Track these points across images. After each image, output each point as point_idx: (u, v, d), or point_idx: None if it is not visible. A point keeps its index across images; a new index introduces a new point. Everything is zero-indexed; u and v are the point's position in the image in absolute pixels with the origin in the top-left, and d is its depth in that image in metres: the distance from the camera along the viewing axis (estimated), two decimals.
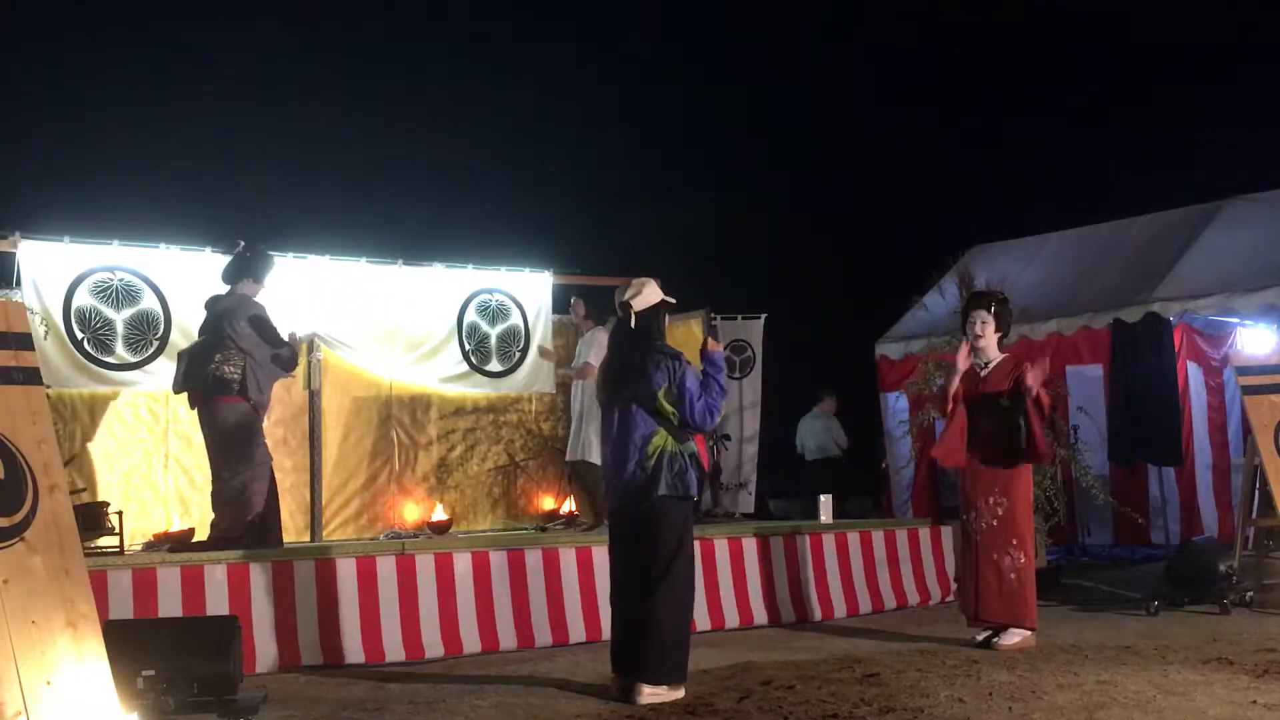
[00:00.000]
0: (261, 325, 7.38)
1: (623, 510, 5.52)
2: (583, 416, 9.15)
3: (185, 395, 7.43)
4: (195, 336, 8.50)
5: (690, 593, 5.53)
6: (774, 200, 21.32)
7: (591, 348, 8.95)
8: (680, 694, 5.28)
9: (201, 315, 7.71)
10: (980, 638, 6.54)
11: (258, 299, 7.52)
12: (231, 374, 7.17)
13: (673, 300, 5.75)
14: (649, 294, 5.60)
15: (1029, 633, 6.48)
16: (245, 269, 7.47)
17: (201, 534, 7.72)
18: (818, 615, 7.94)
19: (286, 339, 7.55)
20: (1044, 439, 6.61)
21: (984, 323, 6.67)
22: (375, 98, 21.19)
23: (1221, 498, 10.52)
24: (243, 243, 7.56)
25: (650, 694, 5.22)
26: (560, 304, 10.57)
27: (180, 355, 7.51)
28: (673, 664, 5.33)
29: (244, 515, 7.15)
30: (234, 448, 7.25)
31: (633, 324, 5.58)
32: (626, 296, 5.59)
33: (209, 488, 8.88)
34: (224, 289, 7.54)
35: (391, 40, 21.92)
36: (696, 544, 7.57)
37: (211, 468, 7.37)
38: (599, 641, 6.88)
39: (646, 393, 5.41)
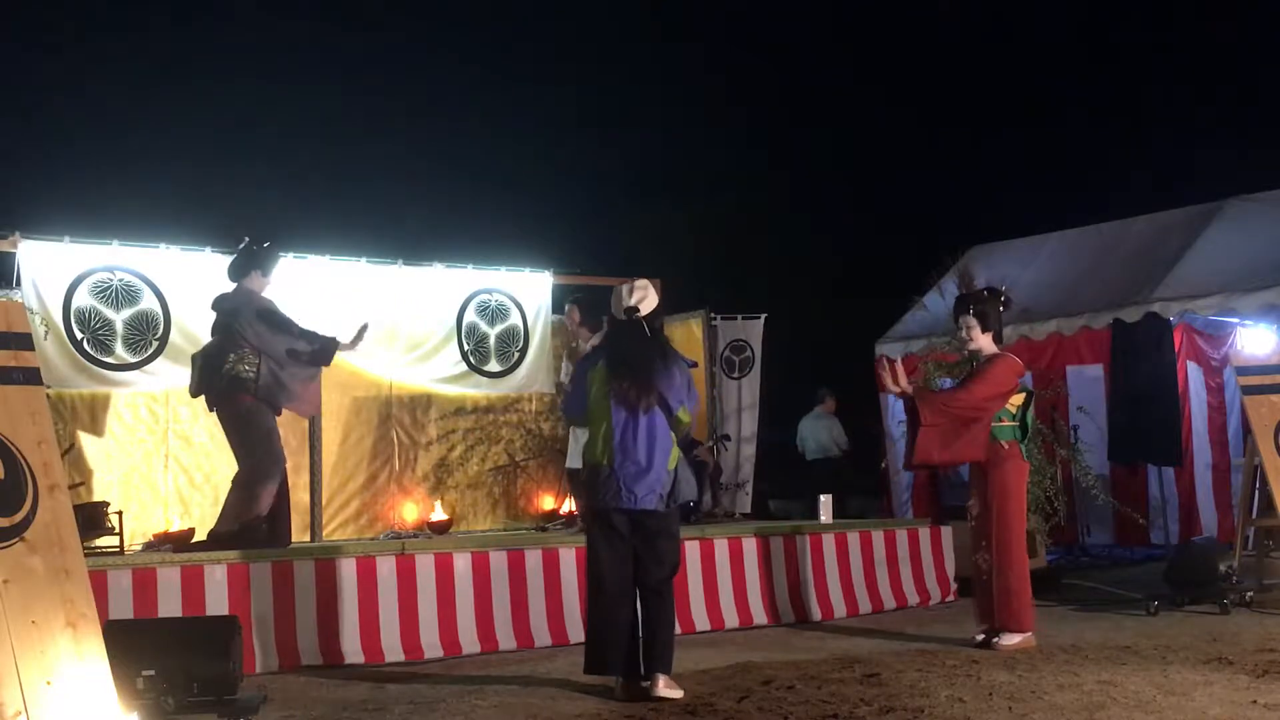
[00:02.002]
0: (270, 317, 7.31)
1: (636, 515, 5.43)
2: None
3: (203, 398, 7.42)
4: (195, 337, 8.52)
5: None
6: (774, 200, 21.33)
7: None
8: (680, 693, 5.28)
9: (203, 316, 7.71)
10: (979, 638, 6.54)
11: (266, 293, 7.49)
12: (246, 372, 7.16)
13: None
14: (652, 298, 5.63)
15: (1029, 633, 6.48)
16: (251, 263, 7.43)
17: (202, 534, 7.72)
18: (818, 615, 7.95)
19: (320, 334, 7.48)
20: (919, 444, 6.42)
21: (969, 327, 6.64)
22: (375, 98, 21.22)
23: (1221, 498, 10.52)
24: (247, 238, 7.53)
25: (666, 685, 5.28)
26: (560, 304, 10.57)
27: (194, 358, 7.47)
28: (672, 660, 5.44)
29: (247, 514, 7.13)
30: (242, 445, 7.25)
31: (648, 331, 5.59)
32: (634, 301, 5.55)
33: (209, 487, 8.90)
34: (229, 288, 7.50)
35: (392, 40, 21.96)
36: (696, 544, 7.63)
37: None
38: None
39: (674, 401, 5.48)
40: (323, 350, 7.46)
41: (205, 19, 20.40)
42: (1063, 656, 6.09)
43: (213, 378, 7.24)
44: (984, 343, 6.65)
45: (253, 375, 7.16)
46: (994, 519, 6.49)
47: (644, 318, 5.57)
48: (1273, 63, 20.34)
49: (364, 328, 7.70)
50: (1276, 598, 7.88)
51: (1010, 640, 6.40)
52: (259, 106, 19.34)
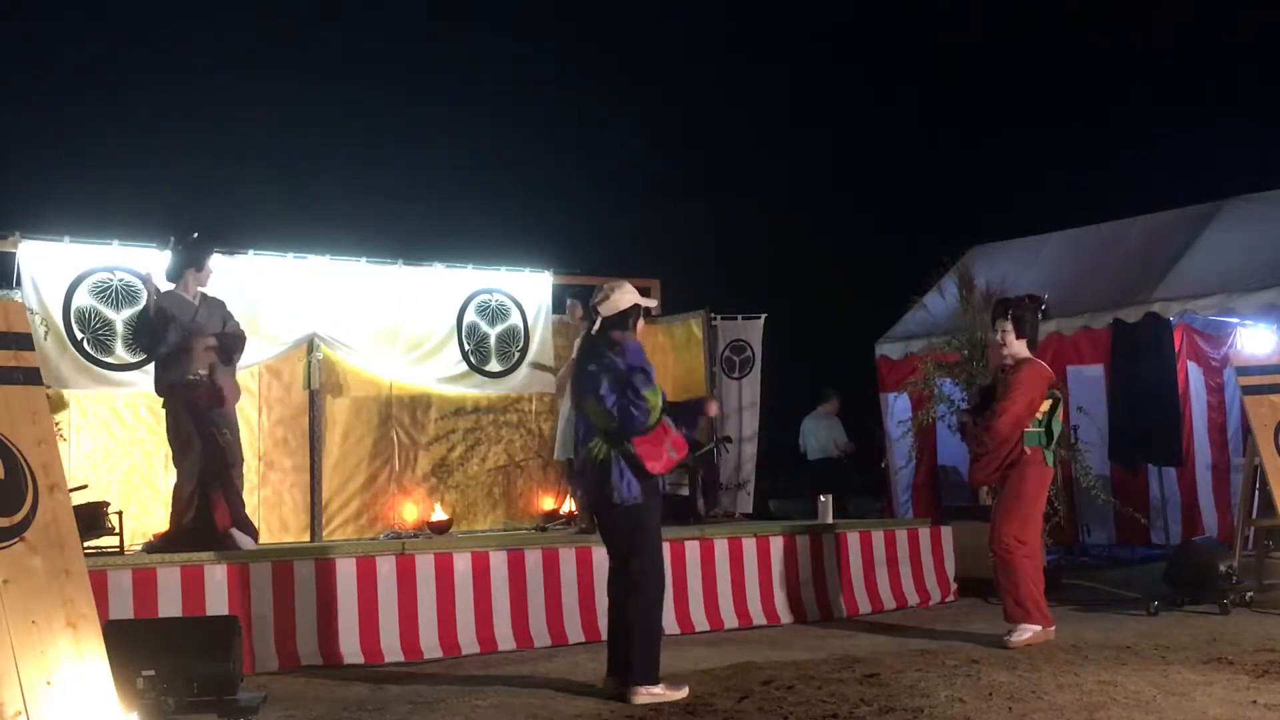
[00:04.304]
0: (156, 322, 7.19)
1: (594, 512, 5.76)
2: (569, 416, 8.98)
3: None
4: None
5: (654, 592, 5.44)
6: (774, 200, 21.34)
7: None
8: (682, 694, 5.27)
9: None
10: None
11: (205, 286, 7.41)
12: (167, 374, 7.19)
13: (649, 304, 5.66)
14: (618, 299, 5.47)
15: (1038, 628, 6.56)
16: (183, 261, 7.32)
17: None
18: (817, 615, 7.94)
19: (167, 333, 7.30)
20: (974, 472, 6.81)
21: (1005, 331, 6.82)
22: (375, 98, 21.21)
23: (1221, 498, 10.51)
24: (173, 237, 7.46)
25: (645, 694, 5.24)
26: (561, 304, 10.57)
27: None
28: (650, 663, 5.33)
29: (181, 504, 7.16)
30: (172, 443, 7.29)
31: (594, 329, 5.52)
32: (594, 302, 5.54)
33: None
34: (213, 290, 7.50)
35: (391, 41, 21.94)
36: (696, 544, 7.63)
37: None
38: (598, 641, 6.87)
39: (593, 395, 5.37)
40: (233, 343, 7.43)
41: (205, 18, 20.39)
42: (1063, 656, 6.09)
43: (159, 379, 7.27)
44: (1018, 348, 6.80)
45: (172, 376, 7.15)
46: (1008, 514, 6.64)
47: (605, 319, 5.46)
48: (1273, 63, 20.33)
49: None
50: (1276, 598, 7.89)
51: (1021, 635, 6.47)
52: (259, 106, 19.32)
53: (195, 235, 7.40)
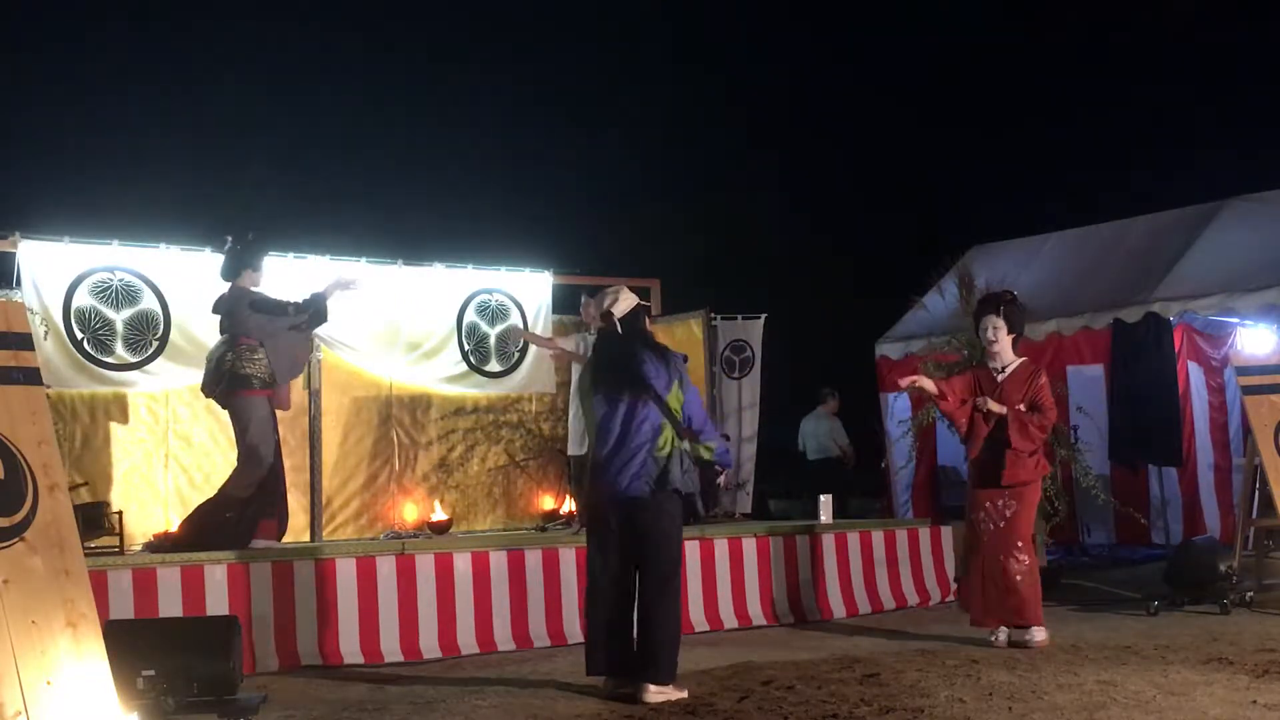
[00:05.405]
0: (264, 305, 7.38)
1: (624, 505, 5.42)
2: (578, 413, 8.97)
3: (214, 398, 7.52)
4: (195, 337, 8.56)
5: (680, 589, 5.59)
6: (774, 200, 21.34)
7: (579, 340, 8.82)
8: (684, 694, 5.28)
9: (203, 316, 7.75)
10: (999, 639, 6.52)
11: (259, 286, 7.51)
12: (245, 368, 7.20)
13: (646, 303, 5.85)
14: (624, 300, 5.67)
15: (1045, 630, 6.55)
16: (240, 261, 7.42)
17: None
18: (817, 615, 7.95)
19: (306, 299, 7.54)
20: (1037, 459, 6.64)
21: (995, 328, 6.61)
22: (375, 98, 21.22)
23: (1223, 498, 10.52)
24: (230, 238, 7.52)
25: (657, 692, 5.24)
26: (560, 304, 10.57)
27: (207, 359, 7.54)
28: (674, 663, 5.36)
29: (235, 491, 7.19)
30: (242, 434, 7.29)
31: (620, 330, 5.63)
32: (607, 306, 5.65)
33: (209, 487, 8.91)
34: (225, 289, 7.54)
35: (392, 40, 21.94)
36: (696, 544, 7.63)
37: None
38: None
39: (658, 385, 5.43)
40: (316, 312, 7.57)
41: (205, 18, 20.39)
42: (1063, 656, 6.09)
43: (219, 376, 7.30)
44: (1006, 346, 6.67)
45: (256, 371, 7.21)
46: (1025, 521, 6.56)
47: (622, 319, 5.63)
48: (1273, 63, 20.33)
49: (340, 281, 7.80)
50: (1276, 598, 7.89)
51: (1038, 636, 6.47)
52: (259, 107, 19.34)
53: (251, 239, 7.49)
